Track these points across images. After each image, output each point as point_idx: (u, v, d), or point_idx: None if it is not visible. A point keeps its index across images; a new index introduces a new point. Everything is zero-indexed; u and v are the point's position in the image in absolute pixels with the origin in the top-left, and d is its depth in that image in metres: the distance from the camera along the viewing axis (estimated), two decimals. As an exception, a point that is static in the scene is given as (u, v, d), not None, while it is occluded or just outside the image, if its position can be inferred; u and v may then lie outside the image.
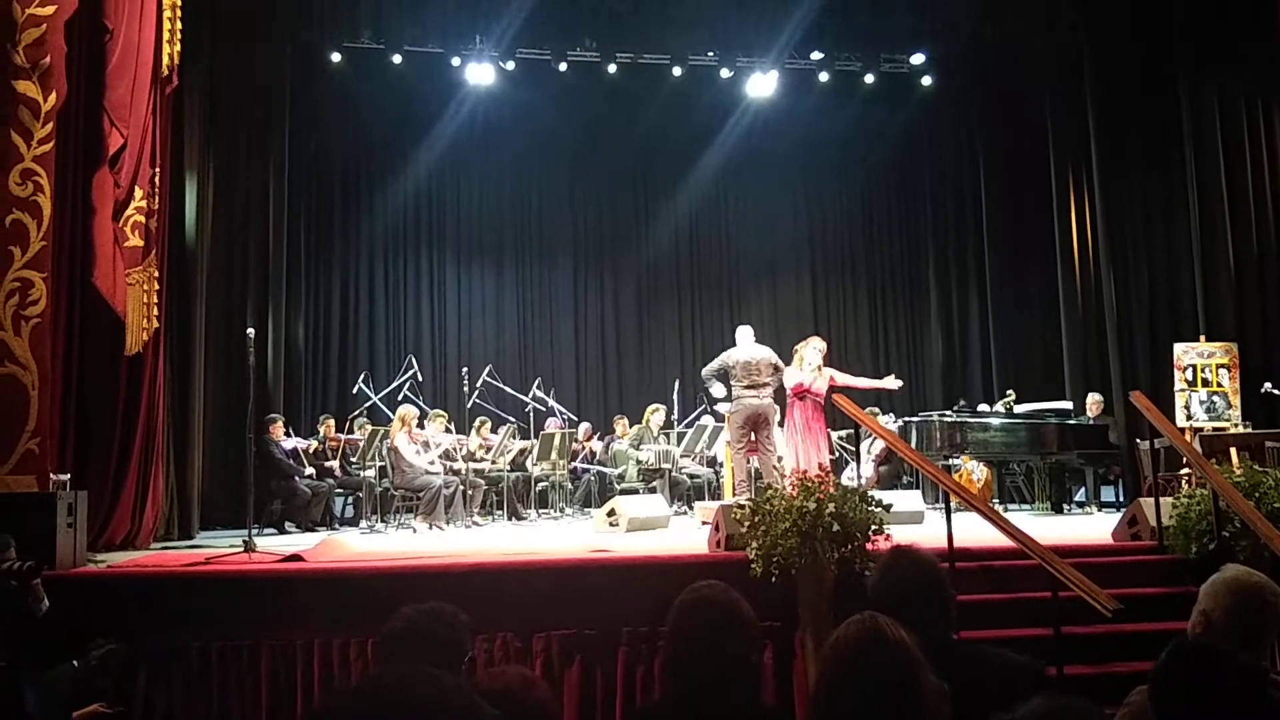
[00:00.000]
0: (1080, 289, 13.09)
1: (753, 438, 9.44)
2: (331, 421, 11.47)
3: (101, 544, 7.60)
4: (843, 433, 12.08)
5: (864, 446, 11.32)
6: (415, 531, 9.76)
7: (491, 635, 5.80)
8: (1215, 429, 10.51)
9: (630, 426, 12.26)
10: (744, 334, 9.75)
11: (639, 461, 11.51)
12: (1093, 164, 12.59)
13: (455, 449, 11.04)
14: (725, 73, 13.57)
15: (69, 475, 6.71)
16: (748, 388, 9.34)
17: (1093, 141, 12.51)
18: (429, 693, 1.43)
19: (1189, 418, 10.81)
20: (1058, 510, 10.62)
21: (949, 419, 10.89)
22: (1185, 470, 8.91)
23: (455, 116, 14.03)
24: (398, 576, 6.09)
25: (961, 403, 12.85)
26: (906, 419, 11.62)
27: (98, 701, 4.66)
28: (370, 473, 10.66)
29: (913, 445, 10.35)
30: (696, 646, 2.61)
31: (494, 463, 11.30)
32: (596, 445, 12.73)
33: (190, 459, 9.82)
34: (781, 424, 9.88)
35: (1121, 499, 11.35)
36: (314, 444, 11.13)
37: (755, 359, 9.44)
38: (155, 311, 8.26)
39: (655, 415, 11.97)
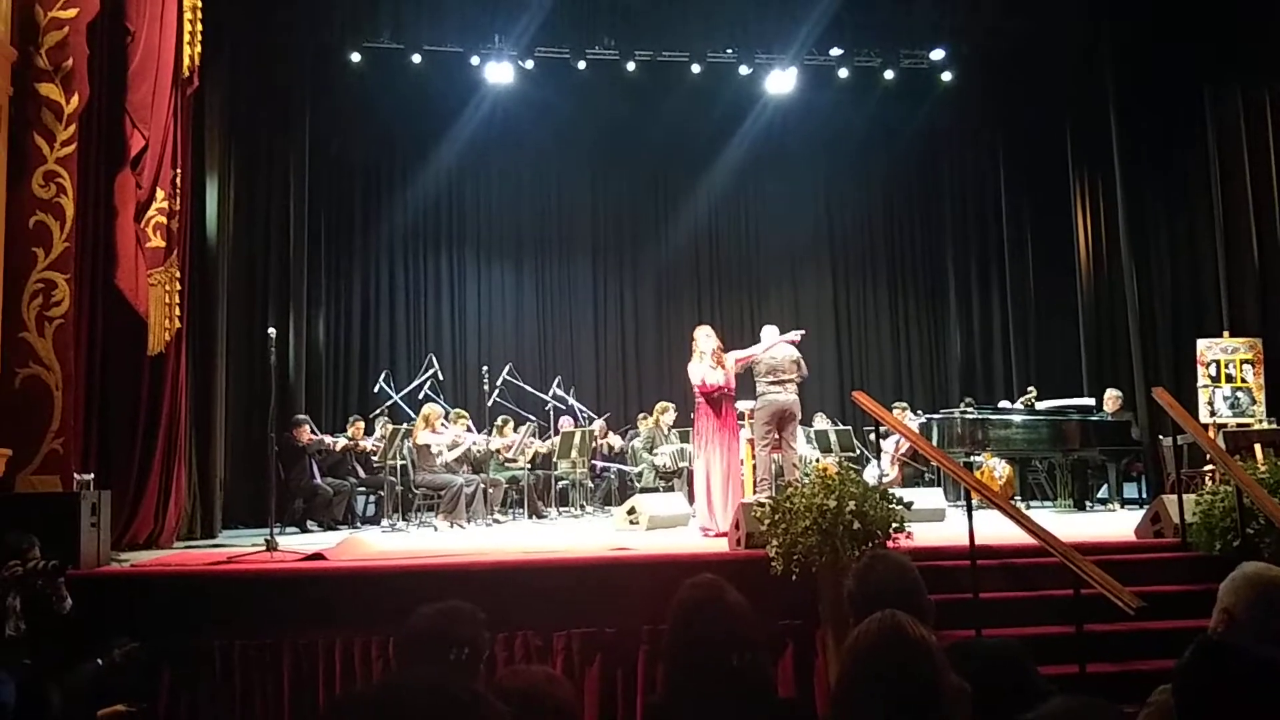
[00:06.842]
0: (1101, 284, 13.01)
1: (778, 435, 9.34)
2: (361, 424, 11.45)
3: (125, 543, 7.65)
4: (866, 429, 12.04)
5: (886, 443, 11.28)
6: (436, 530, 9.78)
7: (512, 634, 5.83)
8: (1239, 425, 10.43)
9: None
10: (770, 332, 9.67)
11: (654, 466, 11.47)
12: (1114, 158, 12.49)
13: (475, 449, 11.02)
14: (744, 70, 13.52)
15: (92, 475, 6.76)
16: (773, 384, 9.24)
17: (1114, 135, 12.42)
18: (442, 699, 1.43)
19: (1213, 414, 10.73)
20: (1080, 507, 10.55)
21: (970, 416, 10.85)
22: (1209, 467, 8.84)
23: (474, 116, 14.03)
24: (419, 575, 6.11)
25: (968, 399, 12.75)
26: (928, 416, 11.59)
27: (121, 701, 4.69)
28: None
29: (934, 442, 10.31)
30: (696, 652, 2.54)
31: (514, 460, 11.30)
32: (615, 440, 12.69)
33: (212, 458, 9.86)
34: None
35: (1144, 496, 11.25)
36: (343, 442, 11.13)
37: (781, 356, 9.34)
38: (177, 312, 8.31)
39: (665, 415, 11.85)
